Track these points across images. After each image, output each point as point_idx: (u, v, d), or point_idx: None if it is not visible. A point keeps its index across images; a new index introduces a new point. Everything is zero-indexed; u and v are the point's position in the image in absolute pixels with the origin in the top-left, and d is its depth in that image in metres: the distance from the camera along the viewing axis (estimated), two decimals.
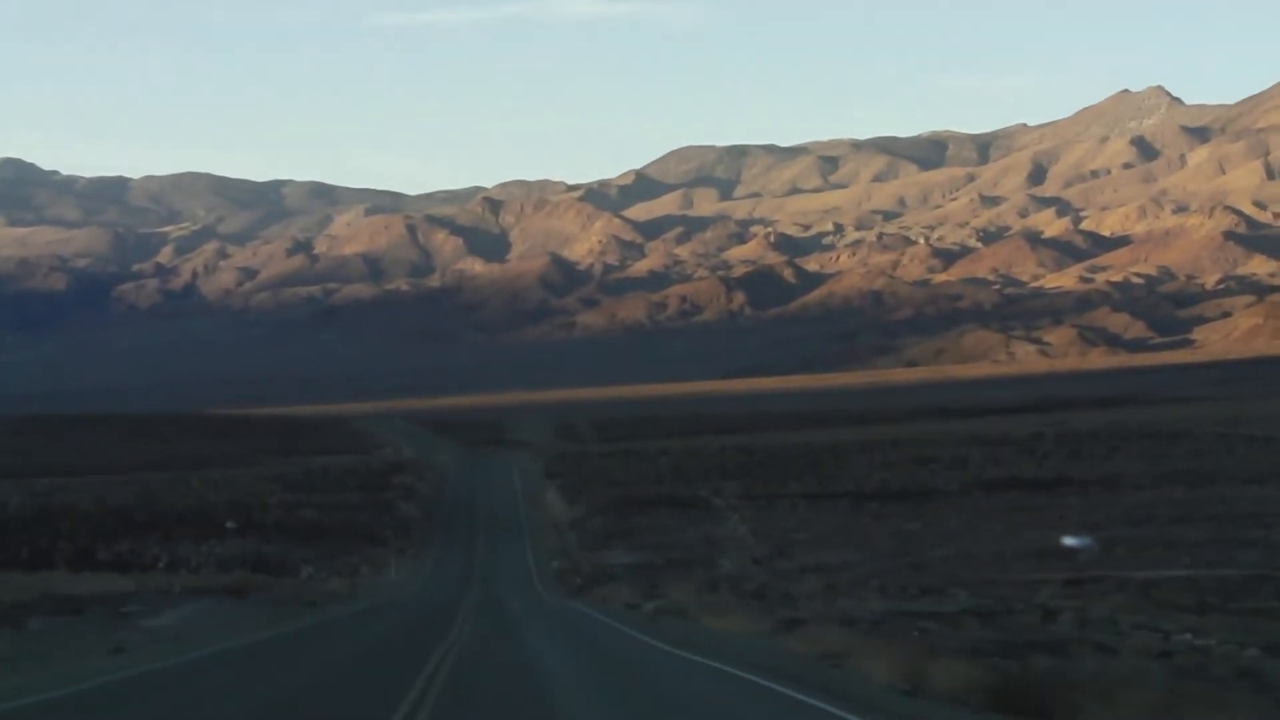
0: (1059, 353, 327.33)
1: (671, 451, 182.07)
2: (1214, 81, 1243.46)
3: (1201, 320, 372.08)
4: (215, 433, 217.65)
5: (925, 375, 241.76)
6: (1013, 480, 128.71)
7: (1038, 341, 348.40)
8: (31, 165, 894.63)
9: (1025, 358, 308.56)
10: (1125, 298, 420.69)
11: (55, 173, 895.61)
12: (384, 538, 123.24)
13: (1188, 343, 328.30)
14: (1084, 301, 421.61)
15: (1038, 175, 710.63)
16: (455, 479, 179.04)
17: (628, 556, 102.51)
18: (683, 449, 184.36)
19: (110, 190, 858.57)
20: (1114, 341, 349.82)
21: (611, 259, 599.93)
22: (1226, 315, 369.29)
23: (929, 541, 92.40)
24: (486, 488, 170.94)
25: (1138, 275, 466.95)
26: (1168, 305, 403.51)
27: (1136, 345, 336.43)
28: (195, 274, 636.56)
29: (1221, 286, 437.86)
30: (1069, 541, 55.89)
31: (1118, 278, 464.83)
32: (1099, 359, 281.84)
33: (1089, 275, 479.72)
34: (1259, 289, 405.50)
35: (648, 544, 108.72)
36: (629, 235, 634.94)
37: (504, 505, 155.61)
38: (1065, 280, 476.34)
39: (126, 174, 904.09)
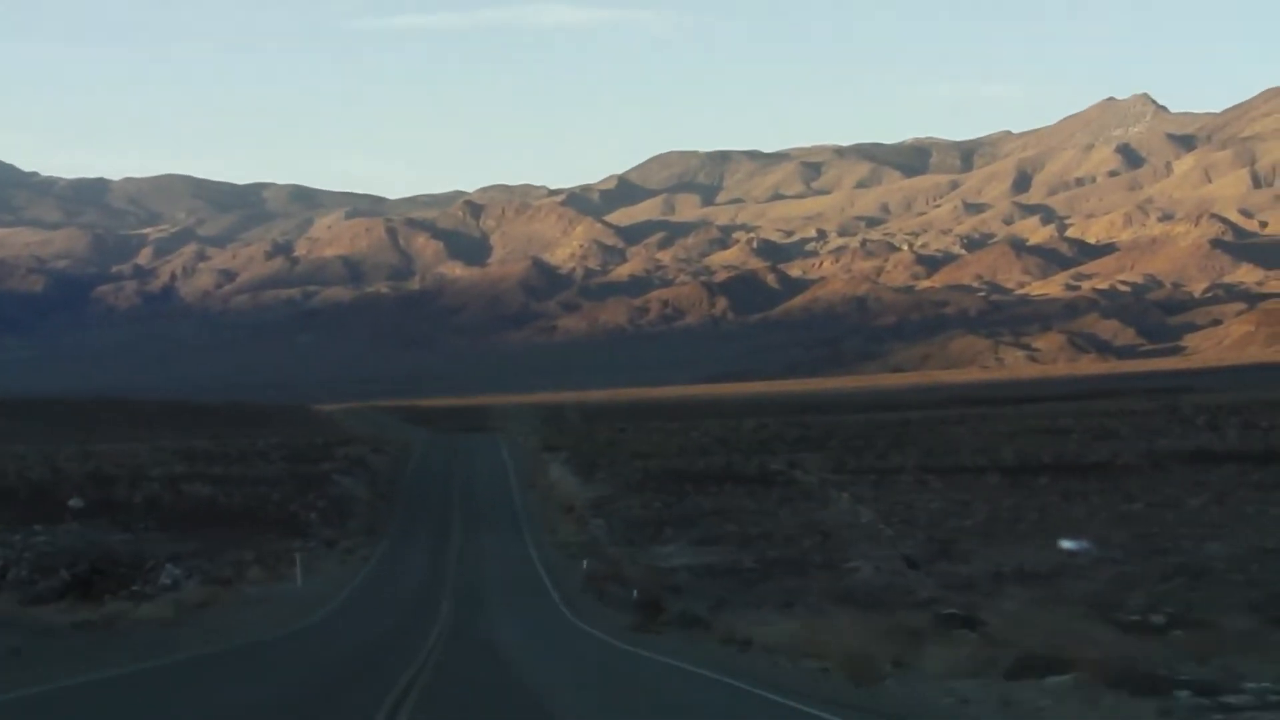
0: (1048, 359, 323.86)
1: (702, 429, 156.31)
2: (1200, 89, 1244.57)
3: (1192, 327, 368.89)
4: (153, 418, 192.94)
5: (914, 380, 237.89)
6: (1202, 453, 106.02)
7: (1026, 347, 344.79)
8: (10, 166, 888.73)
9: (1014, 363, 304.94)
10: (1113, 305, 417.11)
11: (35, 174, 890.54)
12: (305, 524, 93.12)
13: (1179, 349, 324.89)
14: (1070, 308, 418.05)
15: (1022, 183, 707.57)
16: (426, 455, 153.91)
17: (694, 554, 75.35)
18: (715, 426, 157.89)
19: (90, 192, 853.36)
20: (1104, 348, 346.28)
21: (593, 263, 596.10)
22: (1217, 323, 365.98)
23: (1180, 530, 67.26)
24: (466, 463, 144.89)
25: (1124, 283, 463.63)
26: (1157, 312, 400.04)
27: (1127, 352, 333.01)
28: (174, 276, 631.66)
29: (1210, 294, 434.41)
30: (1066, 545, 51.89)
31: (1104, 285, 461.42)
32: (1090, 365, 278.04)
33: (1075, 283, 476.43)
34: (1248, 297, 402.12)
35: (721, 535, 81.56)
36: (611, 240, 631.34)
37: (491, 483, 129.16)
38: (1051, 288, 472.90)
39: (106, 176, 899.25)
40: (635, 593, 56.50)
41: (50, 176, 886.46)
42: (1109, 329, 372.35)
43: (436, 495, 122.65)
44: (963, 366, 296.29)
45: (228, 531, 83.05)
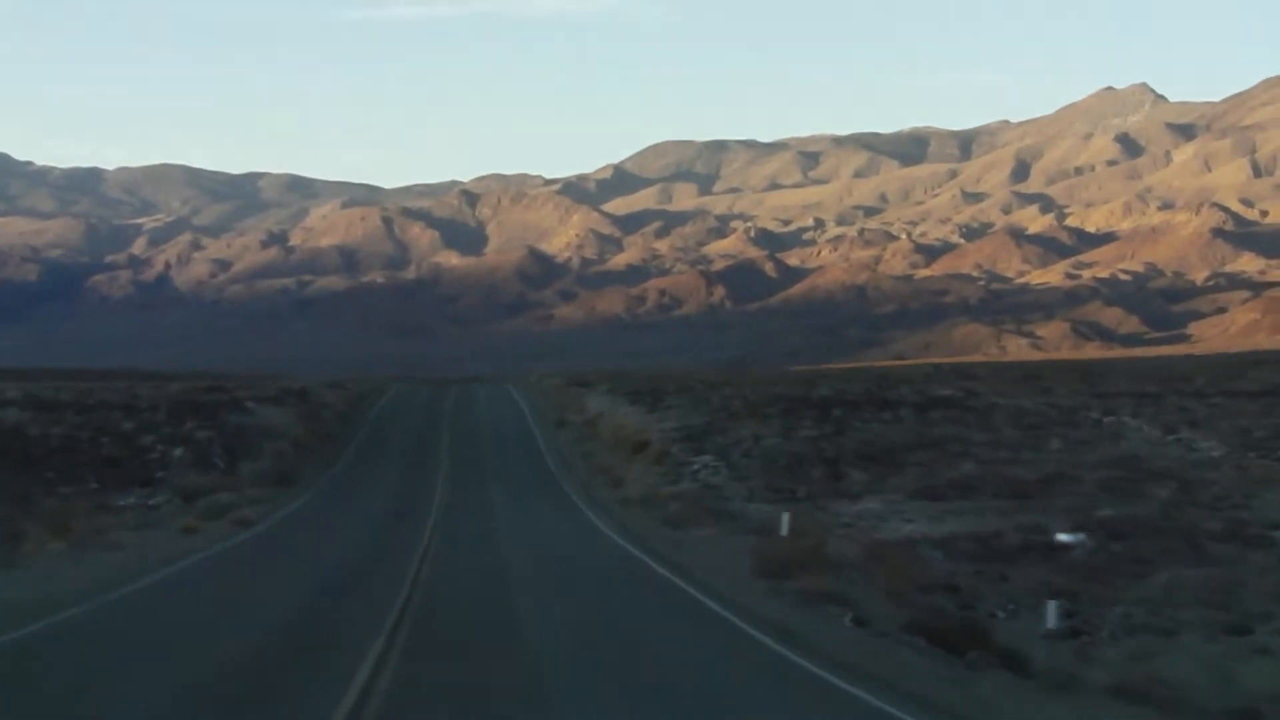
0: (1051, 346, 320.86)
1: (765, 383, 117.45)
2: (1199, 79, 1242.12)
3: (1196, 315, 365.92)
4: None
5: (918, 366, 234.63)
6: None
7: (1029, 335, 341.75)
8: (5, 155, 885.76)
9: (1018, 351, 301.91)
10: (1115, 293, 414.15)
11: (29, 163, 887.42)
12: (157, 466, 66.35)
13: (1184, 338, 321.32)
14: (1072, 297, 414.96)
15: (1021, 172, 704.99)
16: (406, 393, 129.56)
17: (929, 517, 50.53)
18: (780, 385, 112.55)
19: (84, 181, 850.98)
20: (1107, 336, 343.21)
21: (590, 253, 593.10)
22: (1222, 310, 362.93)
23: None
24: (463, 401, 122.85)
25: (1125, 272, 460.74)
26: (1160, 301, 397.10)
27: (1131, 340, 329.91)
28: (169, 265, 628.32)
29: (1211, 283, 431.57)
30: (1063, 538, 48.82)
31: (1105, 274, 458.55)
32: (1094, 352, 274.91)
33: (1075, 272, 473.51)
34: (1250, 285, 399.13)
35: (960, 482, 56.98)
36: (607, 229, 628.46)
37: (499, 419, 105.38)
38: (1051, 276, 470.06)
39: (101, 165, 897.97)
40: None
41: (45, 166, 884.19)
42: (1113, 317, 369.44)
43: (414, 433, 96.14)
44: (966, 354, 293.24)
45: (40, 477, 60.98)
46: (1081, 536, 48.18)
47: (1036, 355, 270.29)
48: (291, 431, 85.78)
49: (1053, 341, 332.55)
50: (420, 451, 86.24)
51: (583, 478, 73.78)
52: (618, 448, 79.38)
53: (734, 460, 66.57)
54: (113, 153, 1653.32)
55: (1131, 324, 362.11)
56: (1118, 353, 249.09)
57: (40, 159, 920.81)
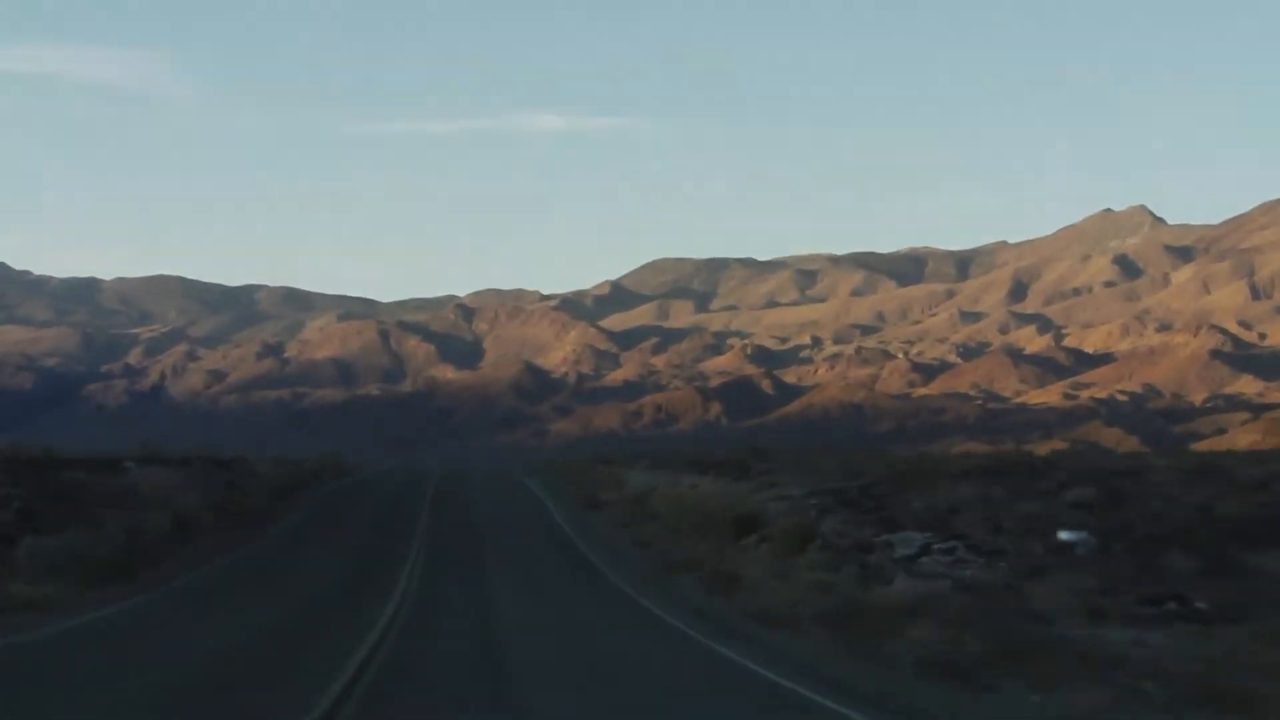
0: None
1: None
2: (1197, 201, 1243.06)
3: (1196, 436, 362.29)
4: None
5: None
6: None
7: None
8: (3, 264, 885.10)
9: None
10: (1113, 414, 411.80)
11: (27, 273, 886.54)
12: None
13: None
14: (1069, 417, 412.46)
15: (1018, 292, 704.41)
16: (385, 471, 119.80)
17: None
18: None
19: (82, 291, 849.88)
20: (1108, 456, 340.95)
21: (586, 368, 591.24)
22: (1222, 431, 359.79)
23: None
24: (455, 478, 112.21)
25: (1123, 392, 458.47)
26: (1159, 422, 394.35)
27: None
28: (164, 375, 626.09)
29: (1210, 405, 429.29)
30: (1064, 536, 48.18)
31: (1103, 394, 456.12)
32: None
33: (1073, 392, 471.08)
34: (1250, 407, 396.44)
35: None
36: (604, 345, 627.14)
37: (503, 502, 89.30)
38: (1049, 396, 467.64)
39: (98, 275, 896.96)
40: None
41: (42, 275, 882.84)
42: (1111, 437, 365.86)
43: (379, 513, 77.93)
44: None
45: None
46: (1084, 535, 49.03)
47: None
48: (177, 502, 62.26)
49: None
50: (384, 537, 64.35)
51: (657, 581, 51.16)
52: (699, 530, 57.07)
53: (977, 540, 44.20)
54: (110, 263, 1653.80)
55: (1130, 444, 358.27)
56: None
57: (38, 268, 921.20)
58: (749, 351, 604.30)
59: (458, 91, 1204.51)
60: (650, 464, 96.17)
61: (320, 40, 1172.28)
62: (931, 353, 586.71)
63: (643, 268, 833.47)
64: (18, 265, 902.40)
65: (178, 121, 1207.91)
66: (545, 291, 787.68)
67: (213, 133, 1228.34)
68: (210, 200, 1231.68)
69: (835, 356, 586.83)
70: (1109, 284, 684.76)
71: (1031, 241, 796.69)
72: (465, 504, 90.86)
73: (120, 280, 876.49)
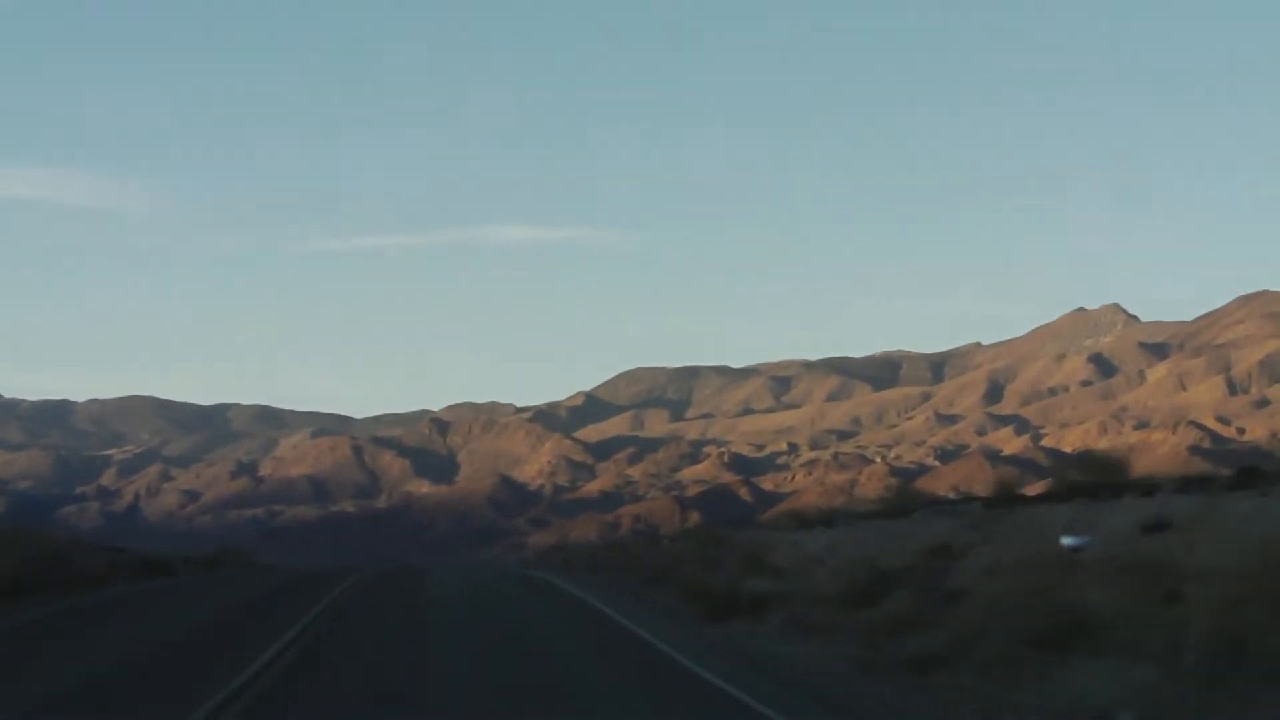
0: None
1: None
2: (1170, 298, 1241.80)
3: None
4: None
5: None
6: None
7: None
8: None
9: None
10: None
11: None
12: None
13: None
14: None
15: (994, 393, 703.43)
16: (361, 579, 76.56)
17: None
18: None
19: (54, 413, 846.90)
20: None
21: (562, 479, 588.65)
22: None
23: None
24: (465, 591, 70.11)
25: None
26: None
27: None
28: (138, 496, 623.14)
29: None
30: (1068, 541, 47.31)
31: None
32: None
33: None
34: None
35: None
36: (579, 456, 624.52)
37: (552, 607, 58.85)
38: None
39: (71, 397, 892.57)
40: None
41: (14, 398, 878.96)
42: None
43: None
44: None
45: None
46: (1086, 538, 48.66)
47: None
48: None
49: None
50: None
51: None
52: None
53: None
54: (83, 384, 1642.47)
55: None
56: None
57: (9, 391, 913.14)
58: (726, 459, 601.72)
59: (425, 205, 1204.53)
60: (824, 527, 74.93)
61: (286, 156, 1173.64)
62: (909, 456, 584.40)
63: (616, 378, 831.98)
64: None
65: (147, 241, 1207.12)
66: (519, 404, 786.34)
67: (182, 252, 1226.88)
68: (181, 319, 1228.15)
69: (812, 462, 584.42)
70: (1085, 383, 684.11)
71: (1006, 342, 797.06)
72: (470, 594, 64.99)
73: (93, 401, 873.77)
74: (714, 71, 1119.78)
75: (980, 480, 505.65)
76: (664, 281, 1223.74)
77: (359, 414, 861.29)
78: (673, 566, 68.97)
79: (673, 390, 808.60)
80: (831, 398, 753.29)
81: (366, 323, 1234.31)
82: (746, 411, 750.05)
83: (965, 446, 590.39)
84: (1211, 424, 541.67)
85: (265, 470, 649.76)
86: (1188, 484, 68.86)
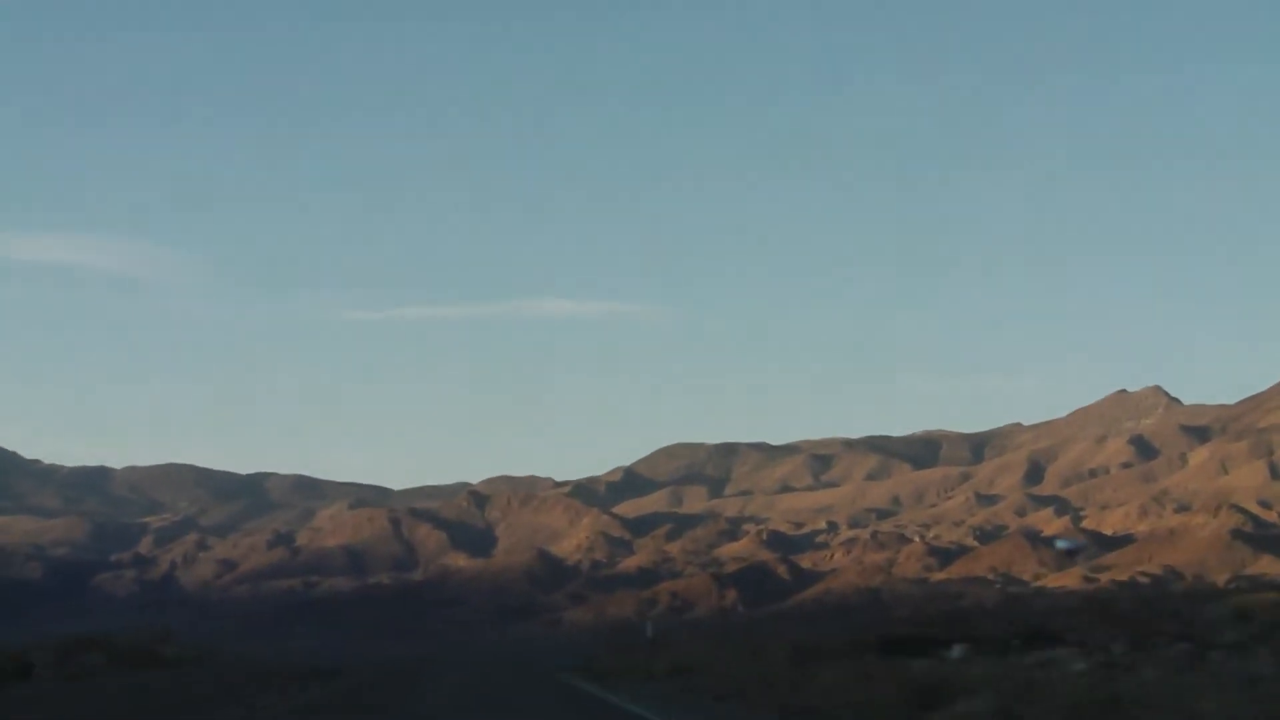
0: None
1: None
2: (1212, 381, 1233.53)
3: None
4: None
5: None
6: None
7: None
8: (12, 454, 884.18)
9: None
10: (1135, 597, 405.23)
11: (37, 461, 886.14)
12: None
13: None
14: (1091, 600, 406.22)
15: (1035, 474, 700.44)
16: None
17: None
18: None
19: (91, 480, 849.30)
20: None
21: (600, 555, 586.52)
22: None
23: None
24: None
25: (1144, 574, 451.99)
26: (1182, 603, 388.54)
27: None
28: (174, 564, 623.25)
29: (1233, 586, 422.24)
30: (1062, 545, 47.07)
31: (1123, 577, 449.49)
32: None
33: (1093, 575, 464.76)
34: (1275, 587, 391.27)
35: None
36: (618, 531, 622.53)
37: None
38: (1069, 580, 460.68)
39: (109, 464, 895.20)
40: None
41: (52, 464, 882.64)
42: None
43: None
44: None
45: None
46: (1081, 542, 48.73)
47: None
48: None
49: None
50: None
51: None
52: None
53: None
54: (120, 452, 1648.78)
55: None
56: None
57: (48, 457, 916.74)
58: (764, 537, 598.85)
59: (463, 277, 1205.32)
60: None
61: (325, 228, 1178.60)
62: (948, 536, 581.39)
63: (655, 453, 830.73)
64: (28, 454, 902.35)
65: (187, 310, 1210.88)
66: (558, 478, 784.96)
67: (221, 321, 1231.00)
68: (220, 388, 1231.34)
69: (851, 541, 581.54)
70: (1126, 465, 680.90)
71: (1047, 423, 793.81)
72: None
73: (131, 469, 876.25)
74: (749, 142, 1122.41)
75: (1020, 561, 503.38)
76: (704, 357, 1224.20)
77: (397, 485, 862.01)
78: None
79: (712, 467, 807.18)
80: (871, 476, 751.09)
81: (405, 394, 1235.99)
82: (785, 489, 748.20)
83: (1005, 527, 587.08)
84: (1254, 508, 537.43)
85: (302, 540, 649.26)
86: None
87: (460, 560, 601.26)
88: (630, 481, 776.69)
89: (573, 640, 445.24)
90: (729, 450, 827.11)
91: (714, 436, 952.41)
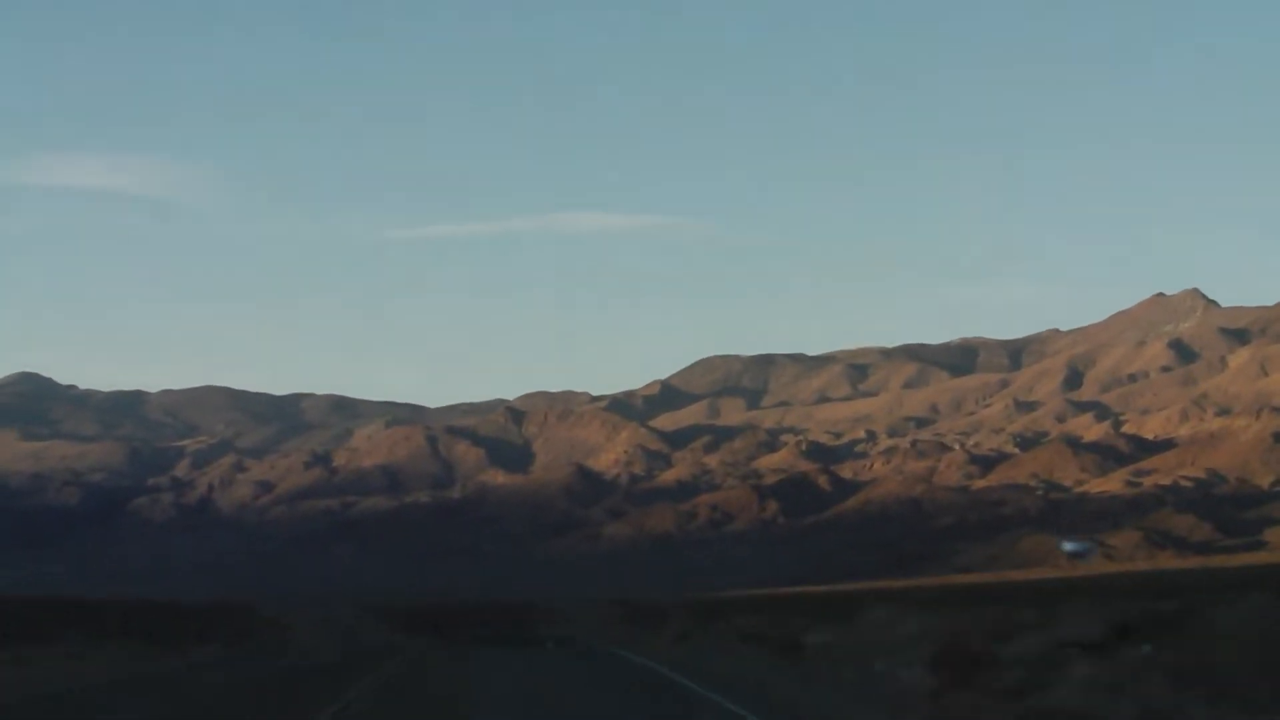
0: (1124, 556, 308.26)
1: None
2: (1251, 283, 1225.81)
3: (1271, 521, 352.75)
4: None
5: (988, 580, 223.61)
6: None
7: (1101, 544, 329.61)
8: (48, 380, 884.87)
9: (1090, 562, 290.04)
10: (1179, 501, 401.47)
11: (72, 387, 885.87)
12: None
13: (1260, 544, 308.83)
14: (1136, 505, 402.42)
15: (1073, 380, 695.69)
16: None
17: None
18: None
19: (127, 404, 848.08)
20: (1180, 544, 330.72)
21: (638, 469, 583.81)
22: None
23: None
24: None
25: (1187, 479, 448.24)
26: (1229, 508, 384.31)
27: (1204, 548, 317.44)
28: (211, 487, 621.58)
29: (1277, 489, 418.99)
30: (1068, 546, 44.13)
31: (1166, 481, 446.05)
32: (1170, 561, 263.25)
33: (1135, 480, 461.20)
34: None
35: None
36: (655, 445, 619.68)
37: None
38: (1111, 485, 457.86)
39: (144, 388, 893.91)
40: None
41: (88, 389, 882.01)
42: (1184, 524, 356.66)
43: None
44: (1034, 567, 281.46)
45: None
46: (1086, 544, 45.22)
47: (1112, 567, 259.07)
48: None
49: (1125, 551, 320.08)
50: None
51: None
52: None
53: None
54: (156, 376, 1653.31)
55: (1204, 531, 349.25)
56: (1198, 561, 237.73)
57: (83, 383, 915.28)
58: (803, 448, 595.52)
59: (497, 193, 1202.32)
60: None
61: (359, 147, 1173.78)
62: (988, 444, 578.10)
63: (692, 366, 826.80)
64: (63, 380, 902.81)
65: (221, 232, 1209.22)
66: (594, 393, 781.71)
67: (256, 242, 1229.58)
68: (255, 310, 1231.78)
69: (891, 450, 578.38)
70: (1165, 369, 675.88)
71: (1084, 329, 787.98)
72: None
73: (166, 392, 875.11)
74: (793, 61, 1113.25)
75: (1061, 468, 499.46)
76: (739, 268, 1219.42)
77: (433, 403, 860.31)
78: None
79: (748, 378, 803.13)
80: (909, 385, 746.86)
81: (440, 311, 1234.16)
82: (823, 399, 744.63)
83: (1045, 433, 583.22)
84: None
85: (339, 460, 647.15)
86: None
87: (498, 477, 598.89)
88: (667, 395, 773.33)
89: (614, 557, 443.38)
90: (766, 362, 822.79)
91: (750, 348, 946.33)
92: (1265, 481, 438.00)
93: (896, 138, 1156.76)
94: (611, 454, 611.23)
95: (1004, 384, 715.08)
